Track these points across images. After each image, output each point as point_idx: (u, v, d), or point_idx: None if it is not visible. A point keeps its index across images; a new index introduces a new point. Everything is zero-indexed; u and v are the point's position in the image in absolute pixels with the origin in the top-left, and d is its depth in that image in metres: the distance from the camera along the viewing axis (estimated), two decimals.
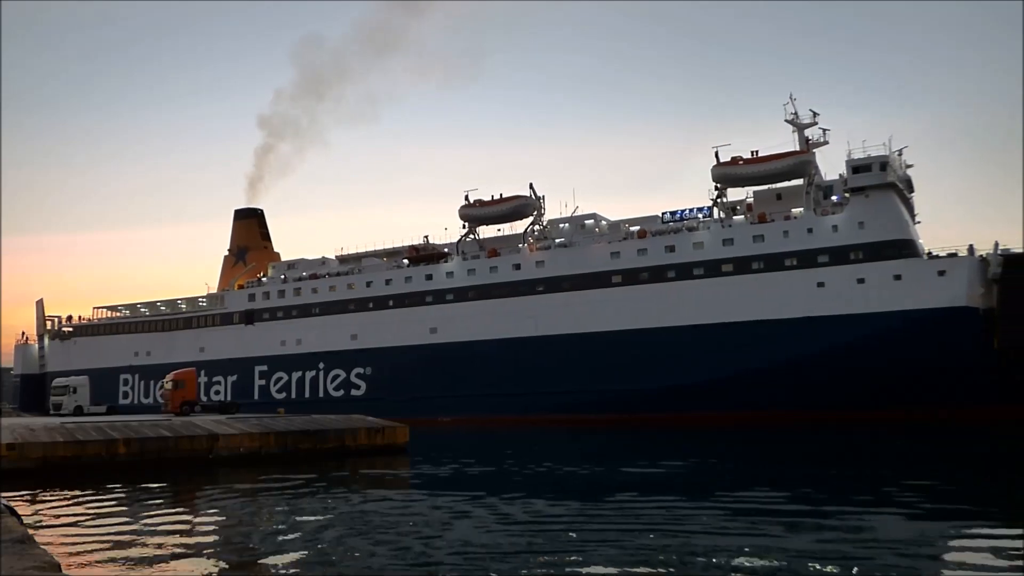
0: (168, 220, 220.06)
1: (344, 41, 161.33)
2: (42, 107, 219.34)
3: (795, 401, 56.14)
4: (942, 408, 53.08)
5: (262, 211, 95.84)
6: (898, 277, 55.19)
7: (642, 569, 13.59)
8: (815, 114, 65.32)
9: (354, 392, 74.70)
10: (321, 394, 76.44)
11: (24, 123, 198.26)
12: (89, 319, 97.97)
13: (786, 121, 65.62)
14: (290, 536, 17.45)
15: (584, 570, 13.67)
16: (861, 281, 56.07)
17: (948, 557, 14.73)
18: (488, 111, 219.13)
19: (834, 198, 59.72)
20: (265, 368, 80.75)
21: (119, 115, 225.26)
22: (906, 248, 55.94)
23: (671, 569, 13.47)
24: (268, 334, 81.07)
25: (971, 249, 55.96)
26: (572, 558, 14.63)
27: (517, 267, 68.75)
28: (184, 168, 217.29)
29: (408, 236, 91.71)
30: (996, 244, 54.72)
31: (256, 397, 78.71)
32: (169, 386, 54.95)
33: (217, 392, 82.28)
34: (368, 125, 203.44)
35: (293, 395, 77.96)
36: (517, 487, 25.85)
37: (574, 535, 17.01)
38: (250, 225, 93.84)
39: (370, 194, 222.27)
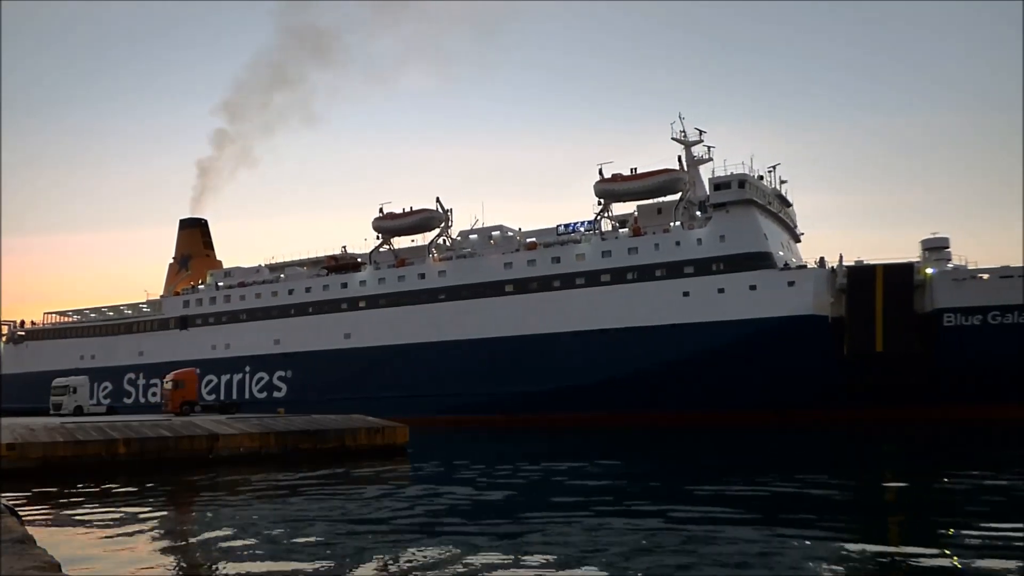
0: (123, 225, 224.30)
1: (286, 47, 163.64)
2: None
3: (663, 403, 60.17)
4: (796, 411, 56.97)
5: (206, 221, 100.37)
6: (753, 287, 59.19)
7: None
8: (701, 132, 69.52)
9: (276, 394, 78.91)
10: (247, 396, 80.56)
11: None
12: (41, 324, 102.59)
13: (673, 139, 69.81)
14: (290, 537, 17.29)
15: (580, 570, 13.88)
16: (721, 291, 60.10)
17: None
18: (428, 119, 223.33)
19: (698, 213, 63.80)
20: (198, 371, 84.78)
21: (72, 120, 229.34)
22: (762, 260, 59.92)
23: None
24: (200, 339, 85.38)
25: (821, 261, 60.01)
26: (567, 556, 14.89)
27: (422, 276, 72.99)
28: (138, 174, 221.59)
29: (333, 245, 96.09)
30: (840, 256, 58.84)
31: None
32: (169, 386, 54.73)
33: (154, 394, 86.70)
34: (311, 133, 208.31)
35: (222, 396, 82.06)
36: (517, 486, 26.70)
37: (572, 530, 17.43)
38: (193, 234, 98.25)
39: (312, 201, 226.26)
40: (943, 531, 17.43)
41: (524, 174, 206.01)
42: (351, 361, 75.03)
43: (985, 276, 56.44)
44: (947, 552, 14.76)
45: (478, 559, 14.60)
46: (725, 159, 76.48)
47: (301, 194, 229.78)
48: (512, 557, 14.85)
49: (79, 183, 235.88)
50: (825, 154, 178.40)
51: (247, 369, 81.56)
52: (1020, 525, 17.72)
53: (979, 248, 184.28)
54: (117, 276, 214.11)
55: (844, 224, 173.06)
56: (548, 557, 14.72)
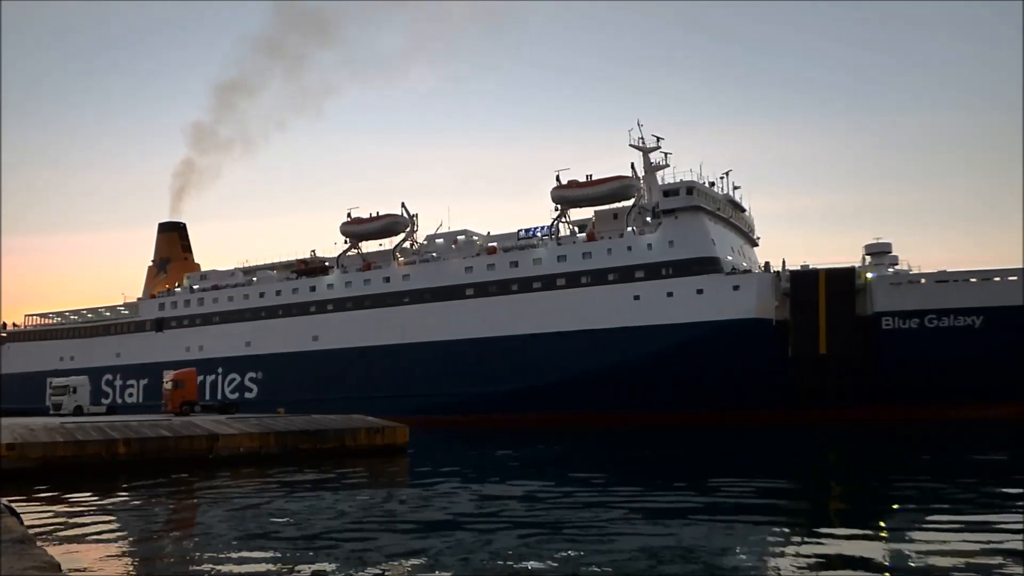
0: (106, 227, 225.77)
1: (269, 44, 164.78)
2: None
3: (613, 405, 61.82)
4: (745, 412, 58.53)
5: (184, 224, 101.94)
6: (700, 291, 60.88)
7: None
8: (659, 139, 71.03)
9: (247, 395, 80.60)
10: (219, 396, 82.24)
11: None
12: (23, 325, 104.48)
13: (631, 146, 71.31)
14: (290, 537, 17.31)
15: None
16: (670, 295, 61.77)
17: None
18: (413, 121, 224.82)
19: (647, 219, 65.47)
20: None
21: (62, 121, 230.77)
22: (710, 265, 61.58)
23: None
24: (175, 340, 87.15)
25: (767, 266, 61.67)
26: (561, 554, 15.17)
27: (387, 280, 74.75)
28: (122, 176, 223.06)
29: (307, 248, 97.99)
30: (783, 261, 60.55)
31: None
32: (169, 386, 54.80)
33: (131, 395, 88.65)
34: (293, 136, 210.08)
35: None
36: (516, 485, 27.42)
37: (559, 526, 18.16)
38: (172, 238, 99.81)
39: (291, 204, 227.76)
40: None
41: (496, 177, 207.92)
42: (319, 363, 76.77)
43: (923, 280, 58.11)
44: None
45: (477, 559, 14.93)
46: (674, 166, 77.26)
47: (280, 197, 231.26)
48: (511, 556, 15.07)
49: (63, 184, 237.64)
50: (793, 158, 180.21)
51: (219, 370, 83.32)
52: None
53: (956, 252, 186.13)
54: (100, 278, 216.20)
55: (814, 228, 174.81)
56: (549, 557, 15.04)
